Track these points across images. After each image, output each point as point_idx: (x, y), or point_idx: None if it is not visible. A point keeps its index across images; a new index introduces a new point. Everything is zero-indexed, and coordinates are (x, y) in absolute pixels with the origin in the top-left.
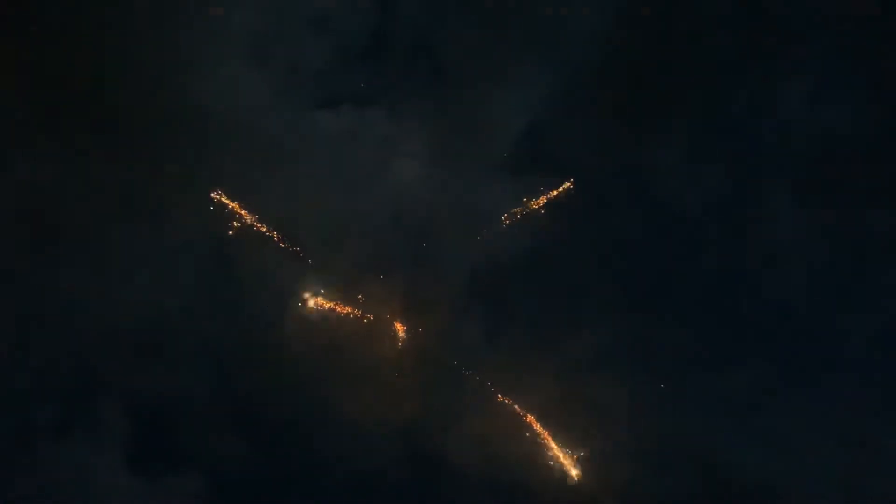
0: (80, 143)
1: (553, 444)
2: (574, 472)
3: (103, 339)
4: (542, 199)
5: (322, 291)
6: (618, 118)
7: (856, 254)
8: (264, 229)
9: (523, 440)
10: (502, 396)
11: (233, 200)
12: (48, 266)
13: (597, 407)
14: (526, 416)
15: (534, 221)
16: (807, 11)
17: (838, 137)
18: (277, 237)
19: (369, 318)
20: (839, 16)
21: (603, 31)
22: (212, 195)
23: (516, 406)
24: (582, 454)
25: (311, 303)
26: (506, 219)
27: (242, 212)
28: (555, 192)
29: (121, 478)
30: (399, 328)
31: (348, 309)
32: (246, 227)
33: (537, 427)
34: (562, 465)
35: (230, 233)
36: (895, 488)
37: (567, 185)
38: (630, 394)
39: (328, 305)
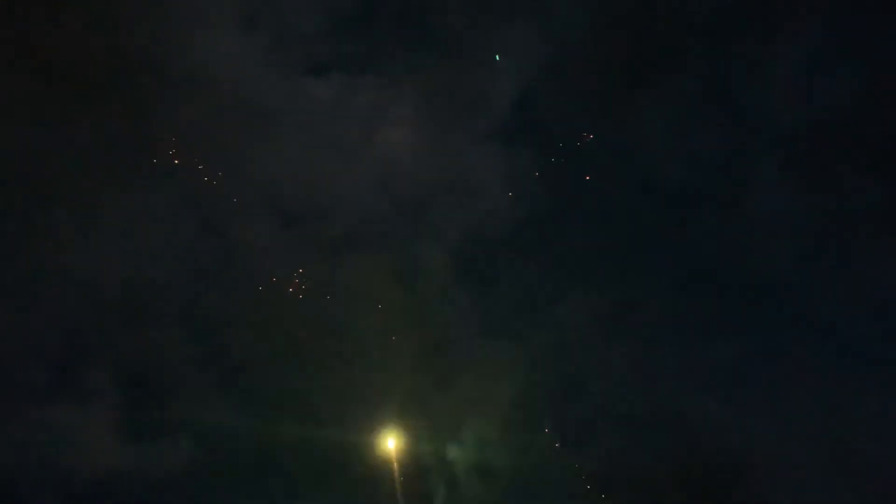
0: (60, 107)
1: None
2: None
3: (89, 305)
4: None
5: (300, 270)
6: (611, 87)
7: (844, 227)
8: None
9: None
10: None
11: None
12: (32, 232)
13: (580, 376)
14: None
15: (524, 192)
16: None
17: (830, 111)
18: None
19: (356, 288)
20: None
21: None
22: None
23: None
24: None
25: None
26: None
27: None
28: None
29: (110, 444)
30: (387, 300)
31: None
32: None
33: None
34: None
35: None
36: (878, 457)
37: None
38: (614, 363)
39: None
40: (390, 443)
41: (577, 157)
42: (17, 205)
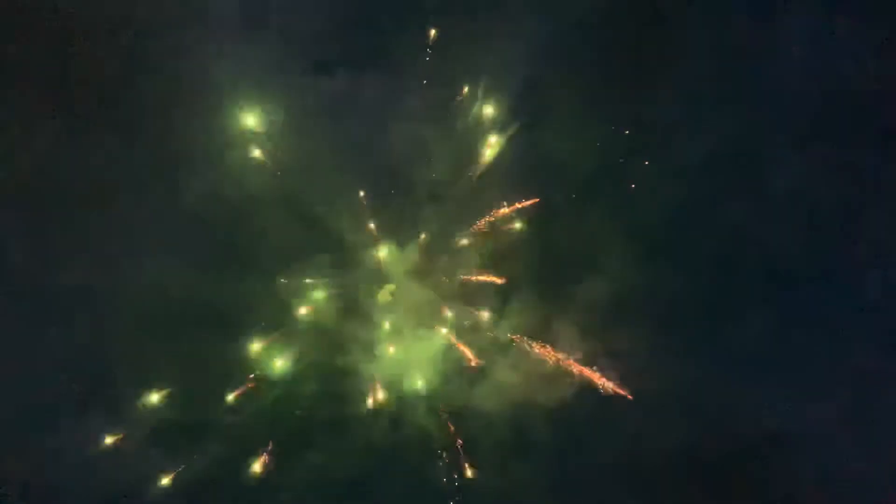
0: (75, 117)
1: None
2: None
3: (117, 317)
4: None
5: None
6: (618, 69)
7: (860, 197)
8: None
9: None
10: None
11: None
12: (56, 250)
13: (610, 358)
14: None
15: (538, 176)
16: None
17: (840, 81)
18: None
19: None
20: None
21: None
22: None
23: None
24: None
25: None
26: None
27: None
28: None
29: (143, 449)
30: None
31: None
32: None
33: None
34: None
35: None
36: None
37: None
38: (641, 344)
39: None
40: None
41: (591, 140)
42: (39, 223)
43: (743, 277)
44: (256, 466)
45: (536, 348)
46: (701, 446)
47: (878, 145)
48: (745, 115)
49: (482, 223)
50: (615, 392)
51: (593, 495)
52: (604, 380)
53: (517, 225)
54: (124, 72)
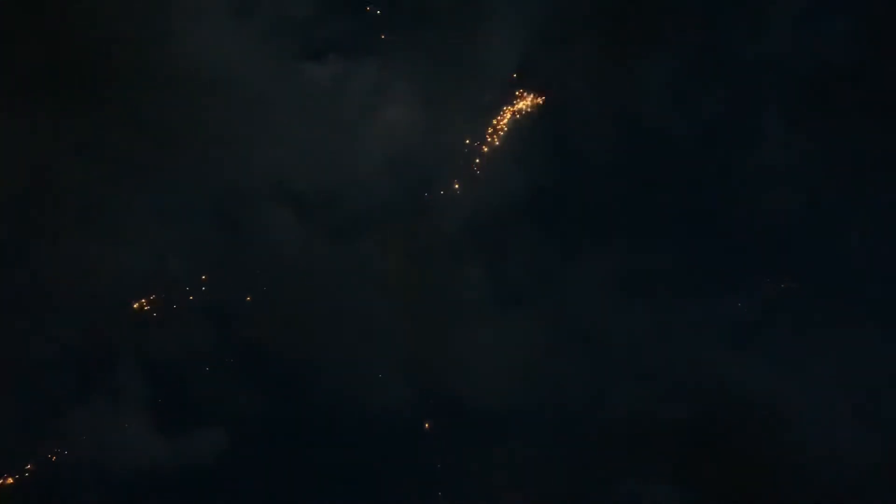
0: (60, 103)
1: None
2: None
3: (111, 303)
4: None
5: None
6: (610, 48)
7: (851, 174)
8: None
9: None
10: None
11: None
12: (49, 234)
13: (598, 338)
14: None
15: (530, 157)
16: None
17: (832, 57)
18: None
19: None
20: None
21: None
22: None
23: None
24: None
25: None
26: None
27: None
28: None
29: (144, 438)
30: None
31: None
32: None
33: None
34: None
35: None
36: None
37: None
38: (630, 323)
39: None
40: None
41: (581, 118)
42: (31, 208)
43: (732, 249)
44: None
45: None
46: (686, 417)
47: (867, 120)
48: (733, 91)
49: None
50: None
51: (579, 466)
52: None
53: None
54: (105, 61)
